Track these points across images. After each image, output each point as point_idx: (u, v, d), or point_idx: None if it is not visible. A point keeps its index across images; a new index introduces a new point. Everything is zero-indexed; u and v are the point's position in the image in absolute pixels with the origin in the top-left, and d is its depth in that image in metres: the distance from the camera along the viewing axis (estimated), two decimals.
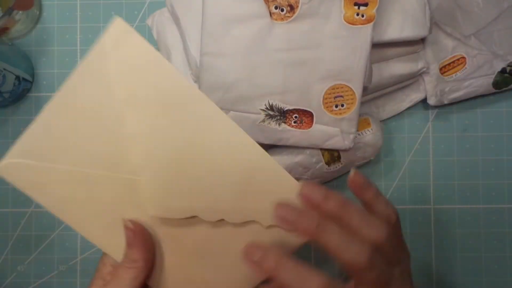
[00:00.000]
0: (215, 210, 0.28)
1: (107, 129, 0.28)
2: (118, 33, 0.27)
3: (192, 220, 0.29)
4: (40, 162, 0.28)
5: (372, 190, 0.28)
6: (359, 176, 0.28)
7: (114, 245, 0.29)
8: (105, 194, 0.29)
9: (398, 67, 0.41)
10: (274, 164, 0.28)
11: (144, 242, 0.29)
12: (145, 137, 0.28)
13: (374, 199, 0.28)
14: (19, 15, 0.44)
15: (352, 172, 0.28)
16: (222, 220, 0.28)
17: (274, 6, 0.35)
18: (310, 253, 0.45)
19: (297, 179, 0.28)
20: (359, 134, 0.40)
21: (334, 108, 0.37)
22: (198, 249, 0.30)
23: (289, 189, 0.27)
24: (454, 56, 0.43)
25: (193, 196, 0.28)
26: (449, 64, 0.43)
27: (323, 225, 0.25)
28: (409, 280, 0.29)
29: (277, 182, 0.28)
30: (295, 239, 0.28)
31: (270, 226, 0.28)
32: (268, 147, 0.39)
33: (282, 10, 0.35)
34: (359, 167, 0.43)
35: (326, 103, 0.36)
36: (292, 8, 0.35)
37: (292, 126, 0.37)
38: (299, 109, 0.37)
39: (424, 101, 0.45)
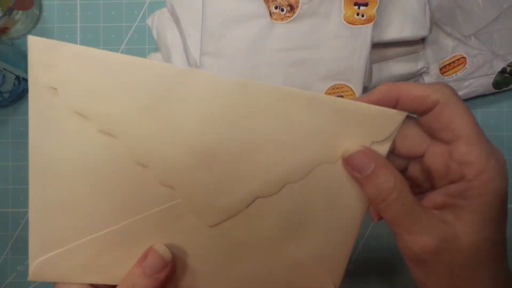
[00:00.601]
0: (274, 179, 0.24)
1: (107, 169, 0.23)
2: (41, 53, 0.22)
3: (250, 205, 0.25)
4: (63, 247, 0.24)
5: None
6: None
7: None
8: (153, 237, 0.25)
9: (398, 67, 0.41)
10: (302, 93, 0.23)
11: (168, 278, 0.24)
12: (153, 154, 0.23)
13: None
14: (19, 15, 0.44)
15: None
16: (285, 185, 0.24)
17: (274, 6, 0.35)
18: None
19: None
20: None
21: None
22: (276, 228, 0.25)
23: (334, 110, 0.23)
24: (454, 56, 0.43)
25: (244, 179, 0.24)
26: (449, 64, 0.43)
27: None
28: None
29: (318, 111, 0.24)
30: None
31: (339, 158, 0.24)
32: None
33: (282, 10, 0.35)
34: None
35: None
36: (292, 8, 0.35)
37: None
38: None
39: None
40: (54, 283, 0.25)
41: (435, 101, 0.22)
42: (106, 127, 0.23)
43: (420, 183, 0.26)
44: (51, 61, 0.22)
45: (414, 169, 0.26)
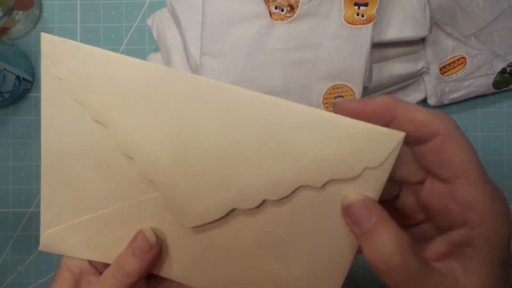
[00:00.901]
0: (250, 191, 0.23)
1: (100, 155, 0.25)
2: (50, 47, 0.24)
3: (230, 215, 0.24)
4: (67, 222, 0.27)
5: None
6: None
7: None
8: (142, 222, 0.26)
9: (398, 67, 0.41)
10: (290, 105, 0.22)
11: (154, 260, 0.25)
12: (137, 148, 0.25)
13: None
14: (19, 15, 0.44)
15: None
16: (264, 201, 0.23)
17: (274, 6, 0.35)
18: None
19: None
20: None
21: None
22: (257, 241, 0.25)
23: (321, 124, 0.22)
24: (454, 56, 0.43)
25: (220, 186, 0.24)
26: (449, 64, 0.43)
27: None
28: None
29: (305, 126, 0.22)
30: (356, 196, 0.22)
31: (325, 184, 0.22)
32: None
33: (282, 10, 0.35)
34: None
35: (326, 103, 0.36)
36: (292, 8, 0.35)
37: None
38: None
39: (424, 101, 0.45)
40: (61, 256, 0.28)
41: (435, 131, 0.20)
42: (98, 117, 0.25)
43: (412, 213, 0.24)
44: (57, 55, 0.25)
45: (407, 198, 0.24)
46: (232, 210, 0.24)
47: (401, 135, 0.21)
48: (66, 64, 0.24)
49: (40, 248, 0.27)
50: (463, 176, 0.20)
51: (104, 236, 0.26)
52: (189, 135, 0.24)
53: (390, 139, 0.21)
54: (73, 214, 0.26)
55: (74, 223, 0.27)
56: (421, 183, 0.23)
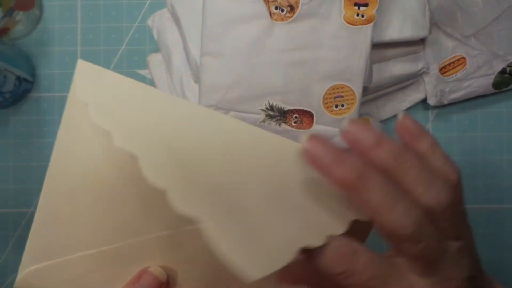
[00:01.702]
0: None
1: (121, 186, 0.24)
2: (86, 76, 0.24)
3: None
4: (57, 259, 0.24)
5: (427, 139, 0.21)
6: (410, 120, 0.22)
7: None
8: (147, 260, 0.24)
9: (398, 67, 0.41)
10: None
11: None
12: (171, 179, 0.22)
13: (430, 151, 0.21)
14: (20, 15, 0.44)
15: (401, 115, 0.22)
16: None
17: (274, 6, 0.35)
18: None
19: None
20: None
21: (334, 108, 0.37)
22: None
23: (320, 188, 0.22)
24: (454, 57, 0.43)
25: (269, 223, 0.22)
26: (449, 65, 0.43)
27: (366, 176, 0.19)
28: (470, 261, 0.21)
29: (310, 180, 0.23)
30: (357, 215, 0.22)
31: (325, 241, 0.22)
32: None
33: (282, 11, 0.35)
34: None
35: (326, 103, 0.37)
36: (292, 9, 0.35)
37: (292, 127, 0.37)
38: (299, 109, 0.37)
39: (424, 101, 0.45)
40: None
41: None
42: (128, 146, 0.22)
43: None
44: (92, 84, 0.24)
45: None
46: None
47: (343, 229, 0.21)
48: (100, 94, 0.23)
49: (16, 285, 0.24)
50: None
51: (97, 274, 0.24)
52: (231, 172, 0.23)
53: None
54: (65, 251, 0.24)
55: (63, 260, 0.24)
56: None
